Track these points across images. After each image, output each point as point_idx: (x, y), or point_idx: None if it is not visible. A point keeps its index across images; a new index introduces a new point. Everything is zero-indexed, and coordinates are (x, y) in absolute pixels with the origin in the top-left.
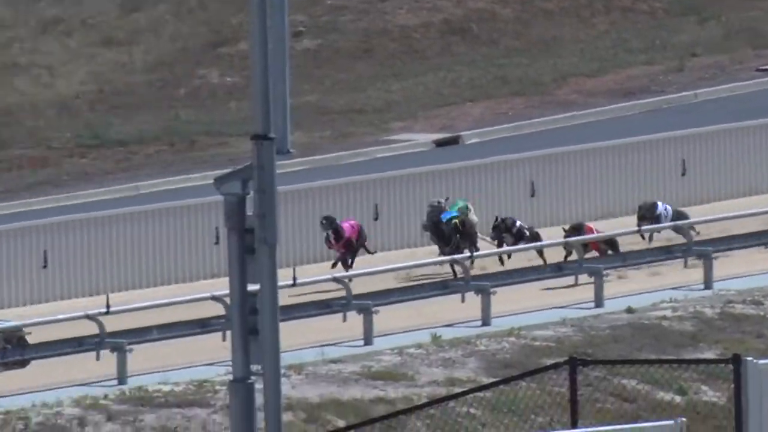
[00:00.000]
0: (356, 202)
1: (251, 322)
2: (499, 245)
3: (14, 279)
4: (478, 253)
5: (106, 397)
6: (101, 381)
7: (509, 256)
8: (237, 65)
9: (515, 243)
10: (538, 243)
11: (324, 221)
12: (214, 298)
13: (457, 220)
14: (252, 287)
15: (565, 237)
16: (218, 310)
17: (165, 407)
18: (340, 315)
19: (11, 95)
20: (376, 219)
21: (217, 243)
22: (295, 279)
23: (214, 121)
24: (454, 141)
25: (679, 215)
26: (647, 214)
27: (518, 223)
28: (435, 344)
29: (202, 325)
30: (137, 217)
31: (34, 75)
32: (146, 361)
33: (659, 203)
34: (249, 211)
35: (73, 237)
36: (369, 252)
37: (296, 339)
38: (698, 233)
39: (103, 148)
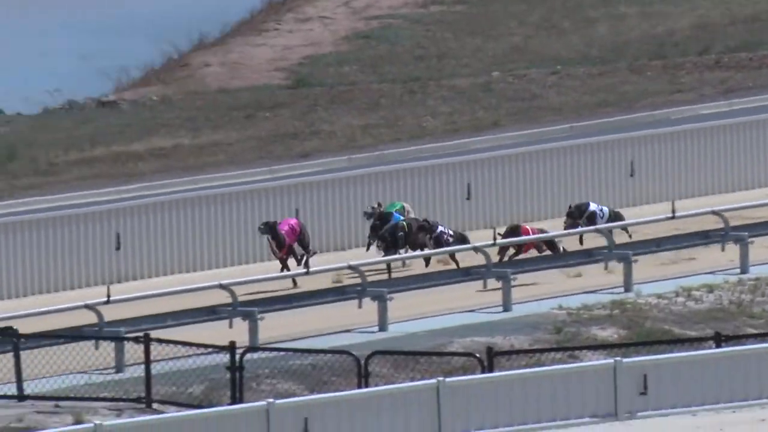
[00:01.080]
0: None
1: None
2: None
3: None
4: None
5: None
6: None
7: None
8: None
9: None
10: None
11: (262, 227)
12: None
13: (404, 223)
14: None
15: (503, 239)
16: None
17: None
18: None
19: None
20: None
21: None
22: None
23: None
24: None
25: (616, 217)
26: (575, 213)
27: (440, 228)
28: None
29: None
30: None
31: None
32: None
33: (592, 204)
34: None
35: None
36: (307, 253)
37: None
38: (630, 236)
39: None
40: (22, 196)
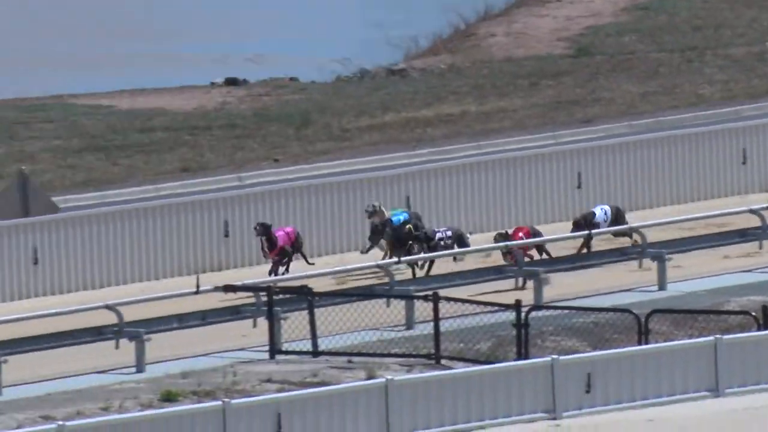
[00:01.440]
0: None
1: None
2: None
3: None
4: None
5: None
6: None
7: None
8: None
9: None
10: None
11: (258, 227)
12: None
13: (410, 225)
14: None
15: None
16: None
17: None
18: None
19: None
20: None
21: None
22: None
23: None
24: None
25: (618, 215)
26: (581, 221)
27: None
28: None
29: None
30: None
31: None
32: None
33: (597, 210)
34: None
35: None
36: (307, 261)
37: None
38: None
39: None
40: (316, 161)
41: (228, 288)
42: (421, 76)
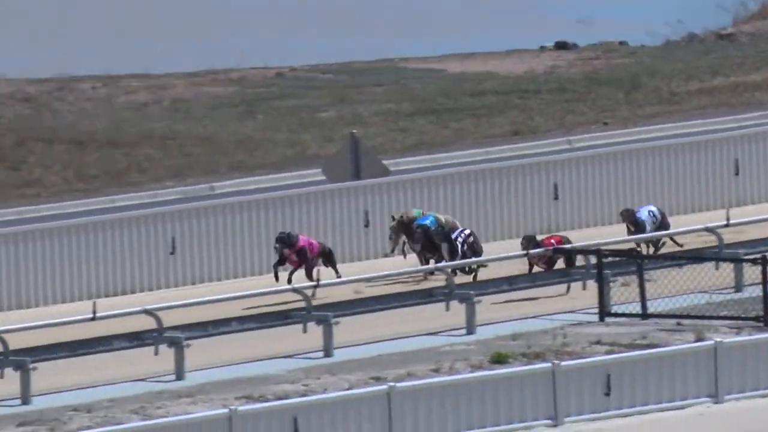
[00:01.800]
0: None
1: None
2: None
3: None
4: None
5: None
6: None
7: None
8: None
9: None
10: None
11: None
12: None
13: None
14: None
15: (523, 249)
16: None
17: None
18: None
19: None
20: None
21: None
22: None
23: None
24: None
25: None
26: (626, 220)
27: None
28: None
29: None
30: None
31: None
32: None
33: (642, 210)
34: None
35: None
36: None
37: None
38: (682, 246)
39: None
40: (645, 124)
41: (557, 250)
42: (750, 41)
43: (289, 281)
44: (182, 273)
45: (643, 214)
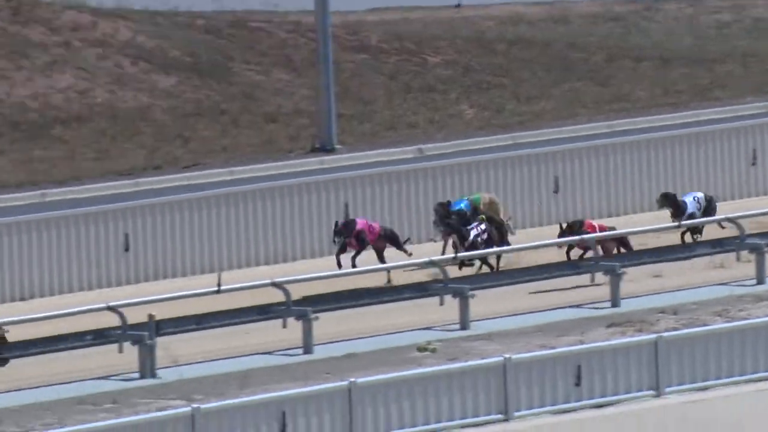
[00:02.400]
0: None
1: None
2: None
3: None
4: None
5: None
6: None
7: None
8: None
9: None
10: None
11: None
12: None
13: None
14: None
15: (560, 236)
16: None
17: None
18: None
19: None
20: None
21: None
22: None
23: None
24: None
25: (710, 204)
26: (666, 204)
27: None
28: None
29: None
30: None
31: None
32: None
33: (688, 196)
34: None
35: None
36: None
37: None
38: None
39: None
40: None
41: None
42: None
43: (353, 265)
44: None
45: (688, 198)
